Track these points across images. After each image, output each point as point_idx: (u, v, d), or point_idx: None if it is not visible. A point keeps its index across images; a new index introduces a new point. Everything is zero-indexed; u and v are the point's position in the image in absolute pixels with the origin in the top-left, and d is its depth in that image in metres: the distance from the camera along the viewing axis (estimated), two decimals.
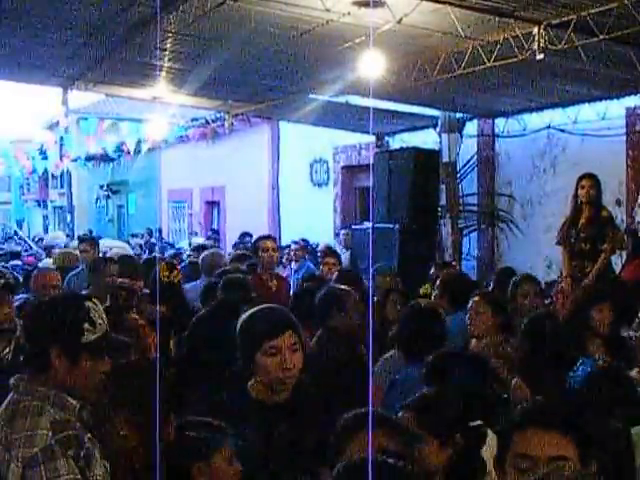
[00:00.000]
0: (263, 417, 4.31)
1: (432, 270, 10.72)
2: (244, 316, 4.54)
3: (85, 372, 3.82)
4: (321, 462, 3.89)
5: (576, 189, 10.06)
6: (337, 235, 16.83)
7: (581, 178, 10.11)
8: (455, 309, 8.07)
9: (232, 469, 3.96)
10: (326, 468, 4.10)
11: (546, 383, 5.36)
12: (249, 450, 4.11)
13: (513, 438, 3.13)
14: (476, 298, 7.57)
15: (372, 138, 17.24)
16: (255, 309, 4.57)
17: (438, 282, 8.80)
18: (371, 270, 10.43)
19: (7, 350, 6.27)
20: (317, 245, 16.83)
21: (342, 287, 7.72)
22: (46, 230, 40.52)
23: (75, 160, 30.77)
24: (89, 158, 28.68)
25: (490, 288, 9.60)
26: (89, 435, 3.73)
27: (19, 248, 23.48)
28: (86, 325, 3.80)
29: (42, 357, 3.74)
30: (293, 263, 14.34)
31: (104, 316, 3.96)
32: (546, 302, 9.22)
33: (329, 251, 13.26)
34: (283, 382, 4.31)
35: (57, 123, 35.39)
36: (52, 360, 3.73)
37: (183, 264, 12.76)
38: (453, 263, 12.46)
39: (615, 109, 12.40)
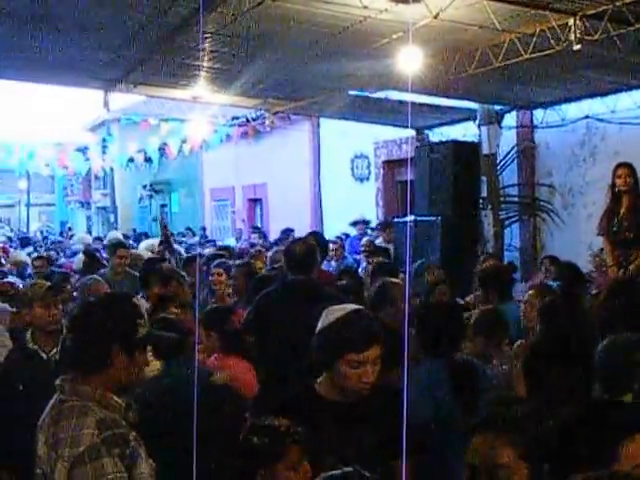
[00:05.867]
0: (333, 416, 4.22)
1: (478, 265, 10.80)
2: (331, 318, 4.37)
3: (138, 367, 3.94)
4: (392, 458, 3.88)
5: (613, 178, 10.04)
6: (376, 229, 16.86)
7: (617, 167, 10.08)
8: (503, 300, 8.15)
9: (297, 477, 3.87)
10: (397, 463, 4.11)
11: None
12: (319, 450, 4.05)
13: None
14: (531, 291, 7.69)
15: (412, 132, 17.25)
16: (344, 313, 4.36)
17: (477, 279, 8.84)
18: (408, 262, 10.48)
19: (54, 351, 6.36)
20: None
21: (394, 280, 7.81)
22: (89, 231, 40.81)
23: (118, 162, 30.96)
24: (131, 159, 28.85)
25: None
26: (134, 433, 3.77)
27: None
28: (139, 320, 3.95)
29: (102, 355, 3.81)
30: (333, 262, 14.44)
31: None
32: (593, 292, 9.16)
33: (378, 248, 13.31)
34: (359, 392, 4.24)
35: (100, 125, 35.76)
36: (112, 357, 3.81)
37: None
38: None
39: None
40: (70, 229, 40.77)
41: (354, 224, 17.72)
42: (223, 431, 4.59)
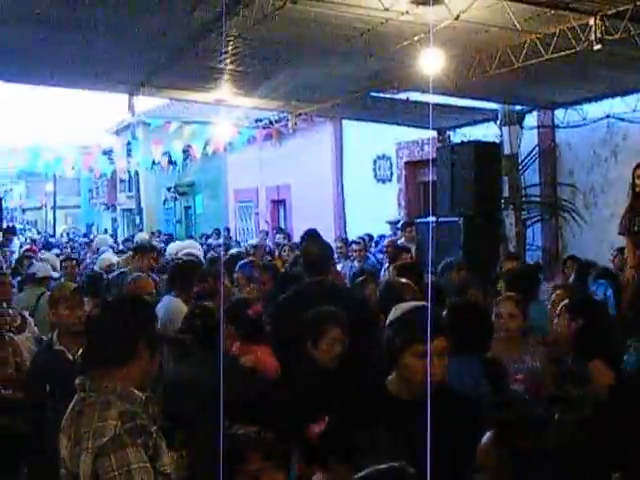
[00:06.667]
0: (401, 414, 4.23)
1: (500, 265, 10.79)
2: (398, 313, 4.46)
3: (157, 364, 4.10)
4: (464, 460, 3.81)
5: (633, 178, 10.05)
6: (399, 229, 16.92)
7: (637, 167, 10.09)
8: (529, 300, 8.16)
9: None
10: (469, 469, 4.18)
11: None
12: (388, 447, 4.07)
13: None
14: (558, 292, 7.76)
15: (434, 133, 17.32)
16: (410, 308, 4.47)
17: (502, 282, 8.89)
18: (431, 263, 10.52)
19: (80, 352, 6.47)
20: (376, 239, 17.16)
21: (402, 280, 7.87)
22: (115, 233, 41.09)
23: (142, 164, 31.13)
24: (156, 162, 29.03)
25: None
26: (155, 427, 3.84)
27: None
28: (156, 320, 4.14)
29: (129, 350, 3.92)
30: (356, 262, 14.50)
31: None
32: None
33: (402, 248, 13.37)
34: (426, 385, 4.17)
35: (124, 128, 35.94)
36: (138, 352, 3.93)
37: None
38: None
39: None
40: (106, 231, 41.15)
41: (390, 223, 17.82)
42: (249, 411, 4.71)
